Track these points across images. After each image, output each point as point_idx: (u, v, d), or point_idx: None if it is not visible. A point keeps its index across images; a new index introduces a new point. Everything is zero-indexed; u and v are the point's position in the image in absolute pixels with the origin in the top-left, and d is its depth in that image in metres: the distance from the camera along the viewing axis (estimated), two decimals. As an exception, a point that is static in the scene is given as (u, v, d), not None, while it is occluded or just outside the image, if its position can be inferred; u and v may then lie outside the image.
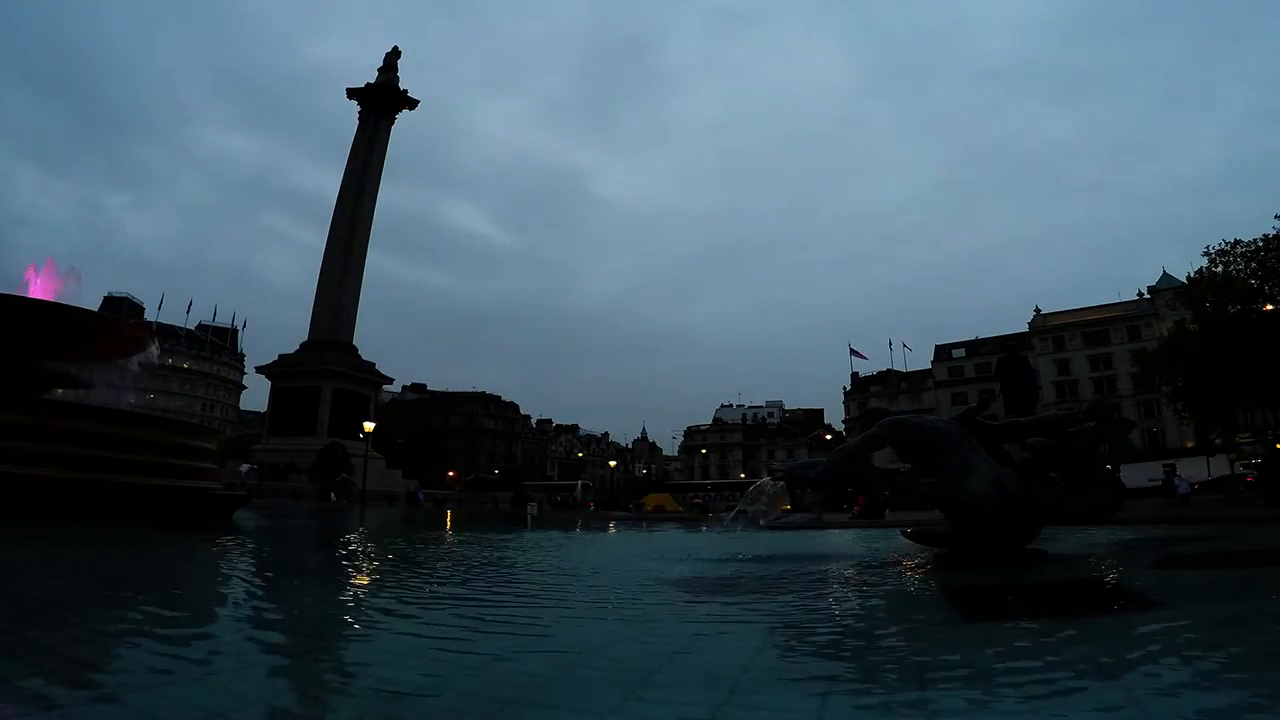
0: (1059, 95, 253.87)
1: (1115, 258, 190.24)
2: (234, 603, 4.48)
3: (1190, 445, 50.78)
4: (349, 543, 10.68)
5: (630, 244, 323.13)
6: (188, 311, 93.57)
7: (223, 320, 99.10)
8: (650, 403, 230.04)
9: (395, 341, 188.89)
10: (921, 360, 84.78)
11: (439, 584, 5.74)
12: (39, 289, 13.39)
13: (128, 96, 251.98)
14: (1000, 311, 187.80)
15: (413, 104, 49.76)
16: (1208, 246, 31.03)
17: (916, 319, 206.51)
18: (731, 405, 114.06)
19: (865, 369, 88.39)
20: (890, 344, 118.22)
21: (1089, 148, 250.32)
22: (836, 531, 14.68)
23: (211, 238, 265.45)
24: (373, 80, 48.84)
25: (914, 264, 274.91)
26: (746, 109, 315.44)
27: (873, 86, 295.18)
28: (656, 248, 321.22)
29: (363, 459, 35.08)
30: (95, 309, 20.68)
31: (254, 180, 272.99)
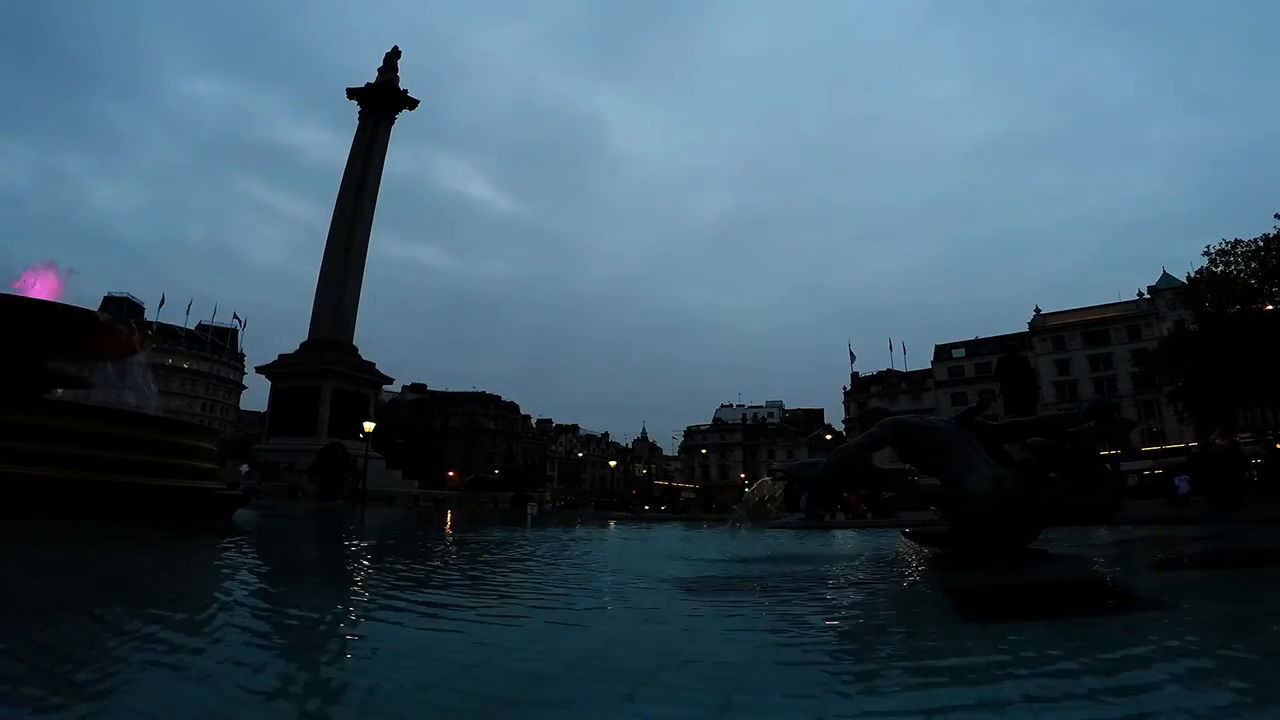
0: (1138, 33, 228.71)
1: (1173, 232, 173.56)
2: (234, 602, 4.47)
3: (1190, 445, 50.85)
4: (349, 543, 10.69)
5: (647, 213, 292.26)
6: (188, 311, 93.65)
7: (223, 320, 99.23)
8: (650, 402, 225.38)
9: (389, 330, 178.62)
10: (921, 360, 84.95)
11: (438, 583, 5.73)
12: (38, 289, 13.39)
13: (78, 34, 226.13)
14: (1000, 311, 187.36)
15: (413, 104, 49.93)
16: (1208, 246, 31.11)
17: (916, 319, 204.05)
18: (731, 405, 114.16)
19: (865, 369, 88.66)
20: (890, 344, 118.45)
21: (1169, 97, 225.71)
22: (836, 532, 14.68)
23: (184, 208, 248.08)
24: (373, 80, 48.95)
25: (958, 238, 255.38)
26: (788, 40, 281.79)
27: (936, 10, 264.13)
28: (677, 217, 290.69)
29: (363, 459, 35.09)
30: (94, 308, 20.66)
31: (226, 136, 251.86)
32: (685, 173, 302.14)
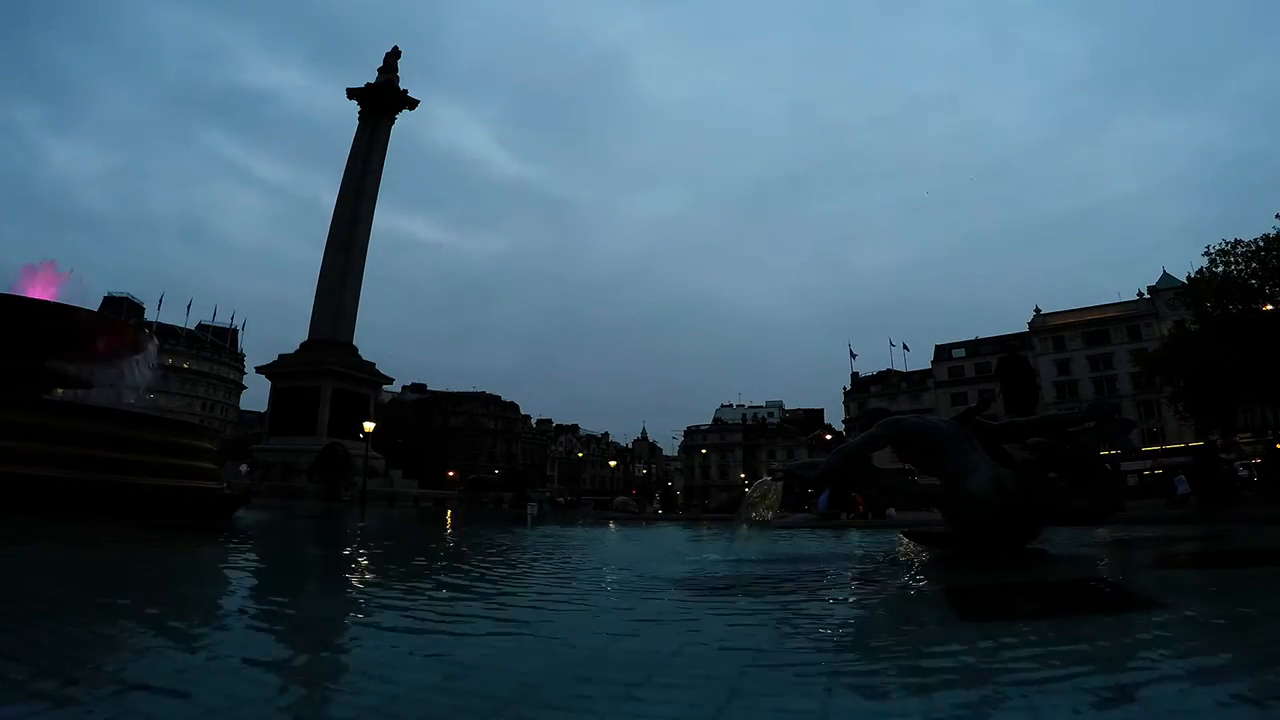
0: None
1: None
2: (233, 602, 4.48)
3: (1191, 445, 50.83)
4: (349, 543, 10.69)
5: (668, 173, 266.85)
6: (188, 311, 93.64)
7: (222, 320, 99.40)
8: (651, 402, 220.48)
9: (383, 318, 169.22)
10: (921, 360, 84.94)
11: (438, 582, 5.73)
12: (38, 289, 13.38)
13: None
14: (1000, 311, 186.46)
15: (413, 104, 50.00)
16: (1208, 246, 31.16)
17: (916, 319, 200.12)
18: (731, 405, 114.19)
19: (865, 369, 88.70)
20: (890, 344, 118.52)
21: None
22: (837, 532, 14.67)
23: (150, 173, 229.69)
24: (372, 80, 48.99)
25: (1012, 205, 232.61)
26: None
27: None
28: (701, 177, 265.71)
29: (363, 459, 35.08)
30: (95, 308, 20.64)
31: (190, 79, 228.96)
32: (717, 121, 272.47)
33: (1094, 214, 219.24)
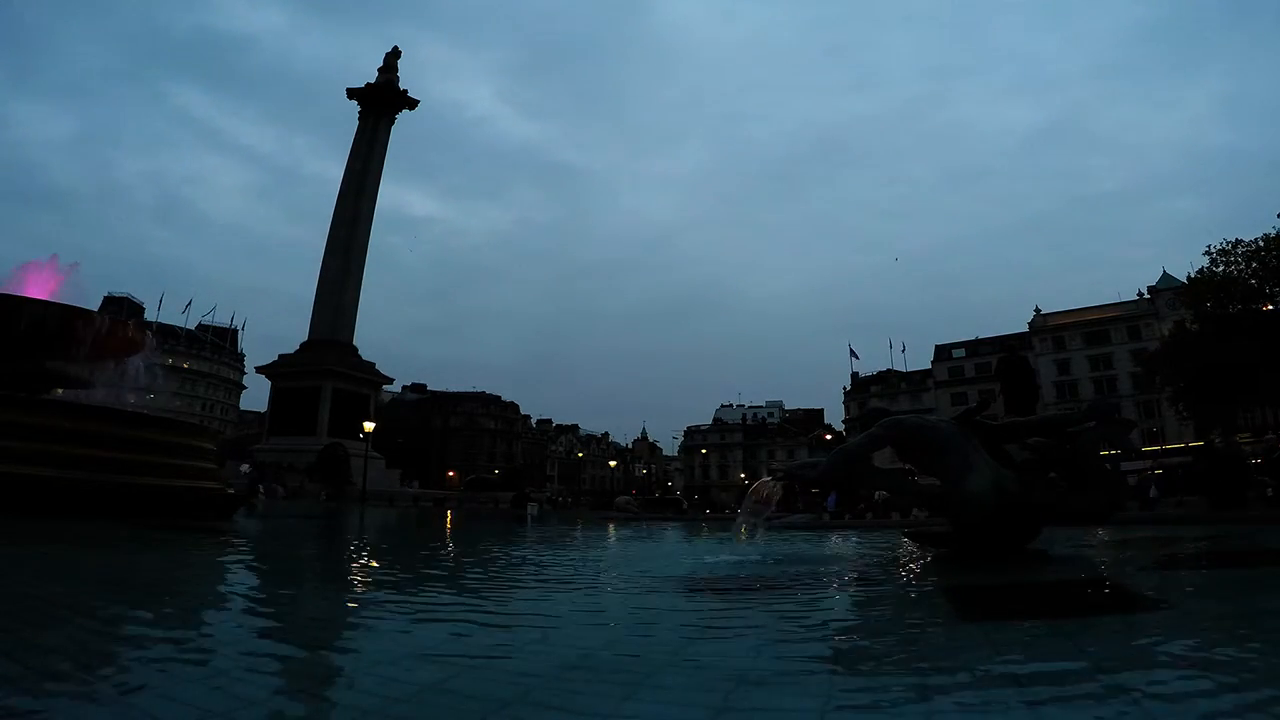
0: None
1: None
2: (234, 603, 4.48)
3: (1190, 445, 50.84)
4: (349, 543, 10.69)
5: (691, 132, 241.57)
6: (186, 311, 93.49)
7: (222, 319, 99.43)
8: (651, 402, 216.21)
9: (375, 304, 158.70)
10: (921, 360, 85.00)
11: (436, 582, 5.73)
12: (38, 288, 13.37)
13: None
14: (1000, 311, 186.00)
15: (413, 104, 50.11)
16: (1208, 246, 31.17)
17: (916, 319, 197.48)
18: (731, 405, 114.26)
19: (865, 369, 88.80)
20: (890, 344, 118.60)
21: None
22: (837, 533, 14.67)
23: (117, 138, 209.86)
24: (373, 80, 49.06)
25: (1067, 176, 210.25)
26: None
27: None
28: (728, 137, 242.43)
29: (363, 459, 35.10)
30: (94, 308, 20.63)
31: (155, 23, 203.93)
32: (740, 74, 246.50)
33: (1095, 213, 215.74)
